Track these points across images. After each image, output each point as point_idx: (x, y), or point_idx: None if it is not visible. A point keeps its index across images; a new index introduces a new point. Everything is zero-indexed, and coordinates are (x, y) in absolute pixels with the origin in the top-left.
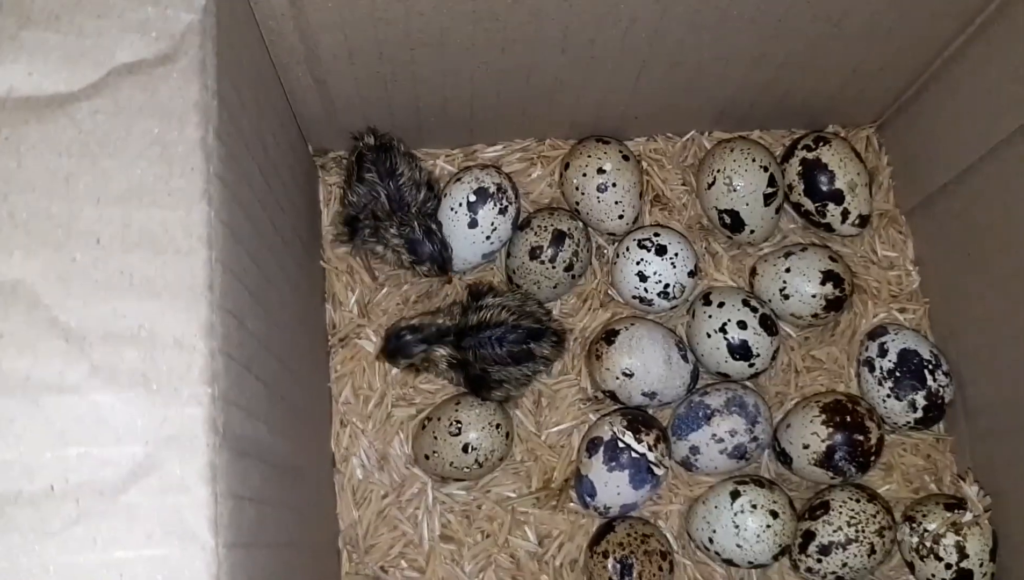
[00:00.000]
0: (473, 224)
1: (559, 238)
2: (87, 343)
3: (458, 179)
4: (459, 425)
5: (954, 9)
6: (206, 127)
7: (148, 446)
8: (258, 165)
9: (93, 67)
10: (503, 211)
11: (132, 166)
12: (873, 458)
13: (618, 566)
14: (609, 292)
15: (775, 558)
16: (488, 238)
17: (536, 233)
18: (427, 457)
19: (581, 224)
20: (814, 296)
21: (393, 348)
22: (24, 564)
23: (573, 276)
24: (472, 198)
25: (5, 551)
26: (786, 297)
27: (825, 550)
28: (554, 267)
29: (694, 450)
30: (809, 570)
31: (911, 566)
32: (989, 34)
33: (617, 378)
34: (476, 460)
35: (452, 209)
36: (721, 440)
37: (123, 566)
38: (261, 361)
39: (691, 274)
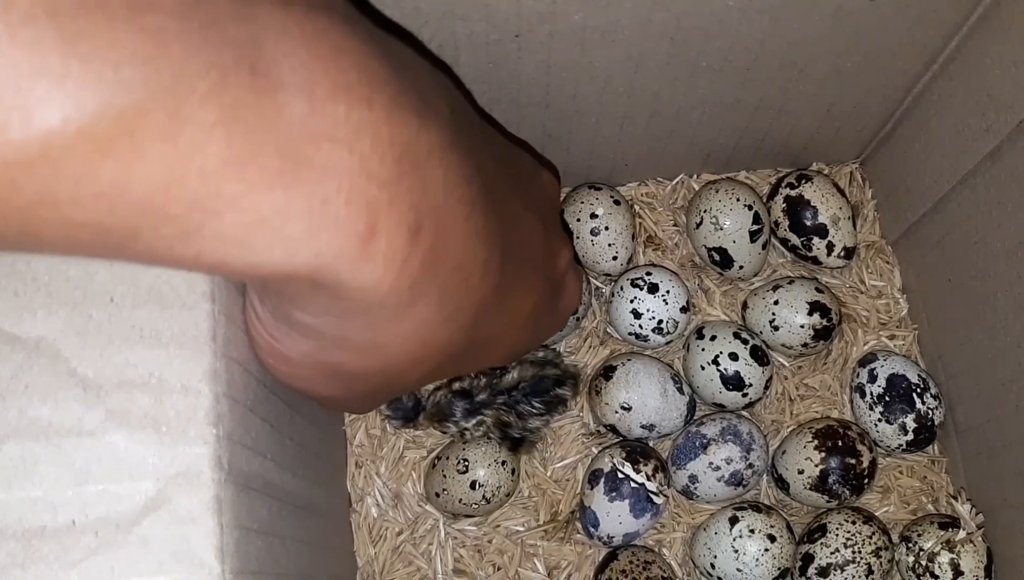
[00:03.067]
0: None
1: None
2: (103, 391)
3: None
4: (466, 463)
5: (914, 49)
6: None
7: (159, 482)
8: None
9: None
10: None
11: None
12: (866, 480)
13: None
14: (607, 330)
15: None
16: None
17: None
18: (438, 495)
19: (581, 269)
20: (802, 326)
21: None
22: None
23: (578, 319)
24: None
25: None
26: (776, 328)
27: (824, 572)
28: None
29: (693, 479)
30: None
31: None
32: (951, 71)
33: (616, 412)
34: (484, 496)
35: None
36: (718, 468)
37: None
38: (266, 404)
39: (683, 310)
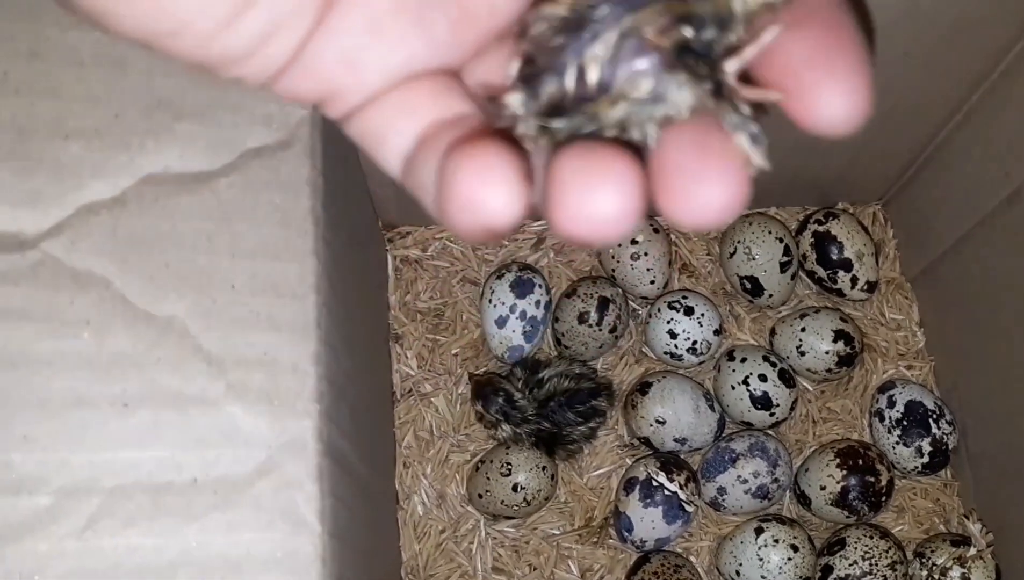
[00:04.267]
0: (517, 316)
1: (604, 304)
2: (224, 366)
3: (499, 276)
4: (509, 467)
5: (940, 100)
6: (315, 198)
7: (271, 450)
8: (350, 231)
9: (229, 151)
10: (538, 304)
11: (259, 228)
12: (884, 498)
13: None
14: (643, 349)
15: None
16: (531, 328)
17: (583, 300)
18: (480, 496)
19: (620, 290)
20: (827, 353)
21: (482, 397)
22: (175, 542)
23: (616, 337)
24: (512, 294)
25: (160, 530)
26: (802, 354)
27: None
28: (600, 330)
29: (721, 491)
30: None
31: None
32: (973, 121)
33: (651, 425)
34: (524, 499)
35: (492, 304)
36: (745, 481)
37: (250, 545)
38: (350, 390)
39: (716, 333)
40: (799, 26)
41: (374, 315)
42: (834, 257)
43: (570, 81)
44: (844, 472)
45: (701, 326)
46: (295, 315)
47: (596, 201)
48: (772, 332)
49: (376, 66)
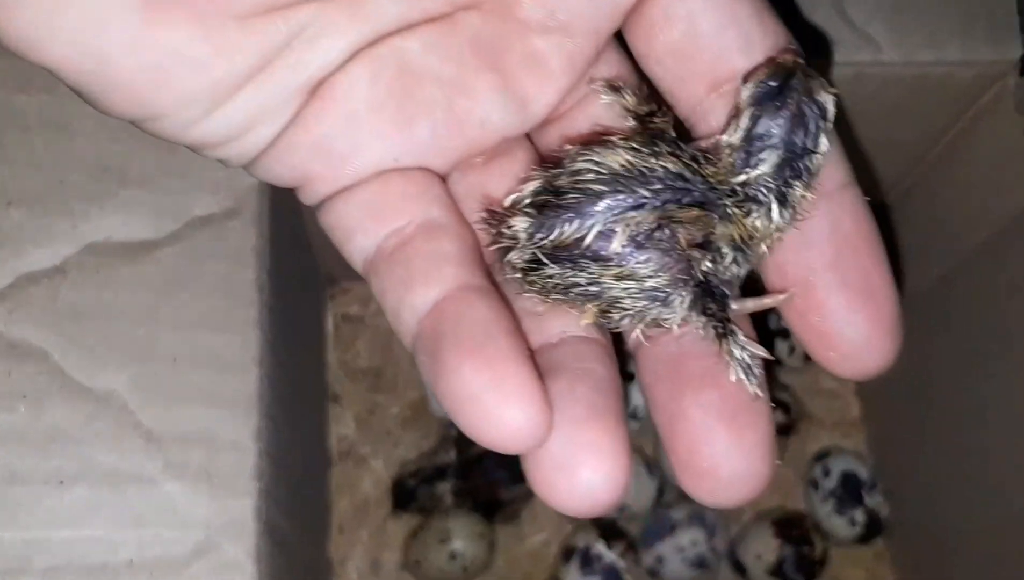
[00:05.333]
0: None
1: None
2: (163, 443)
3: None
4: (446, 533)
5: (883, 177)
6: (260, 268)
7: (209, 530)
8: (295, 295)
9: (174, 219)
10: None
11: (203, 299)
12: (818, 567)
13: None
14: None
15: None
16: None
17: None
18: (417, 563)
19: None
20: None
21: (403, 498)
22: None
23: None
24: None
25: None
26: None
27: None
28: None
29: (660, 559)
30: None
31: None
32: (903, 203)
33: None
34: (462, 567)
35: None
36: (683, 550)
37: None
38: (289, 461)
39: None
40: (834, 269)
41: (314, 376)
42: (771, 325)
43: (590, 231)
44: (780, 541)
45: (641, 392)
46: (237, 389)
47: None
48: None
49: (348, 159)
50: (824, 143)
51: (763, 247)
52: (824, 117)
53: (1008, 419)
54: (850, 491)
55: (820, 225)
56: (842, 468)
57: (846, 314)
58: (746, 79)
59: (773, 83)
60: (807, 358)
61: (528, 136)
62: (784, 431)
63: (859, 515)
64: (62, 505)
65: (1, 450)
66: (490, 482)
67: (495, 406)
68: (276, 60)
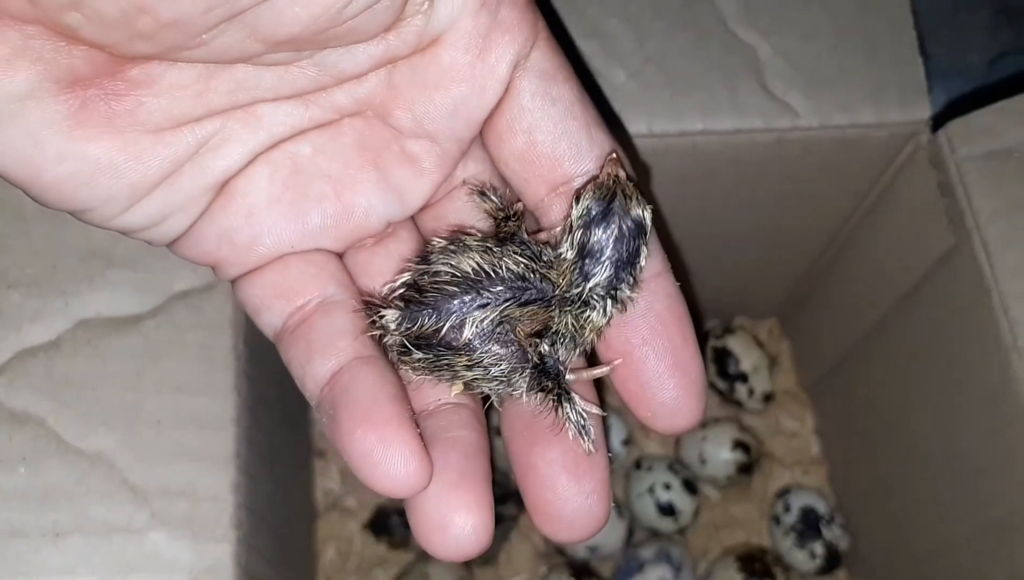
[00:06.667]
0: None
1: None
2: (148, 497)
3: None
4: (427, 577)
5: (814, 232)
6: (236, 336)
7: (192, 574)
8: (275, 359)
9: (157, 295)
10: None
11: (184, 366)
12: None
13: None
14: None
15: None
16: None
17: (498, 413)
18: None
19: None
20: (726, 461)
21: (380, 526)
22: None
23: None
24: None
25: None
26: (704, 462)
27: None
28: None
29: None
30: None
31: None
32: (844, 252)
33: None
34: None
35: None
36: None
37: None
38: (271, 513)
39: (624, 443)
40: (647, 344)
41: (298, 433)
42: (731, 370)
43: (445, 325)
44: (744, 576)
45: (610, 437)
46: (215, 447)
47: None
48: (677, 442)
49: (250, 246)
50: (644, 252)
51: (594, 335)
52: (642, 231)
53: (945, 449)
54: (809, 525)
55: (638, 307)
56: (802, 504)
57: (658, 381)
58: (577, 196)
59: (597, 208)
60: (767, 399)
61: (412, 218)
62: (746, 470)
63: (819, 548)
64: (58, 555)
65: (3, 507)
66: None
67: (383, 461)
68: (185, 165)
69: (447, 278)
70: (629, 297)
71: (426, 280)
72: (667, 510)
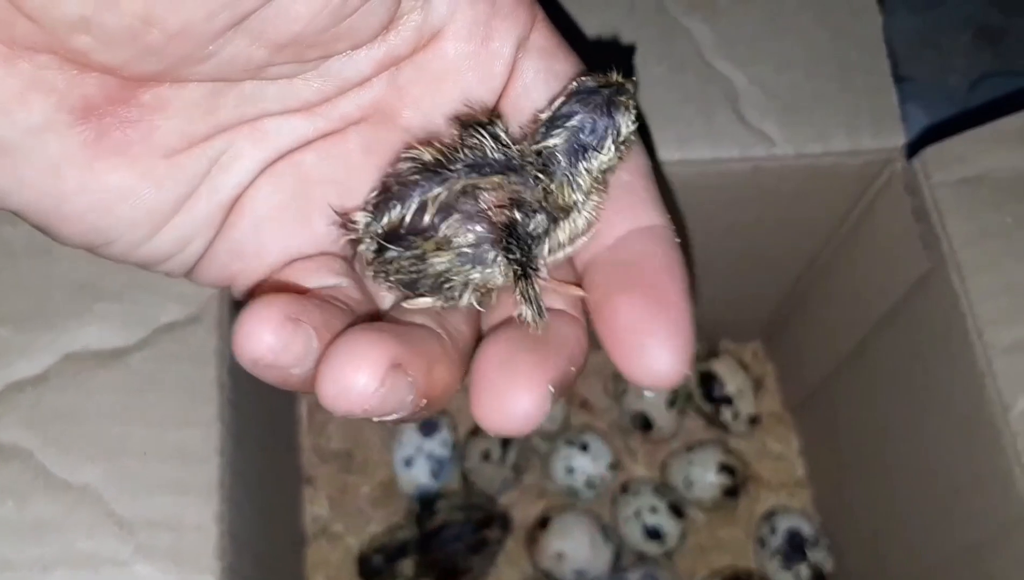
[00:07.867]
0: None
1: (506, 442)
2: (134, 529)
3: None
4: None
5: (794, 255)
6: (221, 368)
7: None
8: (263, 389)
9: (142, 328)
10: (444, 443)
11: (169, 398)
12: None
13: None
14: (544, 484)
15: None
16: (438, 466)
17: (487, 438)
18: None
19: None
20: (712, 484)
21: (367, 572)
22: None
23: (518, 473)
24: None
25: None
26: (690, 485)
27: None
28: (504, 466)
29: None
30: None
31: None
32: (826, 274)
33: (551, 558)
34: None
35: (400, 444)
36: None
37: None
38: (257, 541)
39: (611, 467)
40: (628, 290)
41: (286, 460)
42: (716, 394)
43: (409, 211)
44: None
45: (595, 462)
46: (200, 478)
47: (354, 379)
48: (663, 465)
49: (259, 256)
50: (608, 148)
51: (570, 222)
52: (615, 130)
53: (922, 472)
54: (795, 547)
55: (633, 248)
56: (787, 526)
57: (641, 321)
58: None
59: (592, 84)
60: (752, 422)
61: None
62: (732, 493)
63: (804, 570)
64: None
65: None
66: (447, 554)
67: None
68: (200, 186)
69: (409, 170)
70: (594, 188)
71: (392, 181)
72: (654, 534)
